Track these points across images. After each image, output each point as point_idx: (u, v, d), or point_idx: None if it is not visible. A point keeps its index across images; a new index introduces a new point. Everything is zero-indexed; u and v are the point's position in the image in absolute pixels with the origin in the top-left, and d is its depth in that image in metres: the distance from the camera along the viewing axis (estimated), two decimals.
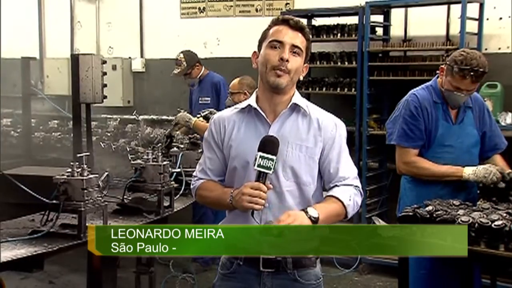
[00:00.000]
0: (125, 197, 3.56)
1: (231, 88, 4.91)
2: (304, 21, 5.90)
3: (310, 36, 2.31)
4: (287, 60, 2.20)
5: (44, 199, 3.04)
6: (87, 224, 2.92)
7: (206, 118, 4.97)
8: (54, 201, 2.91)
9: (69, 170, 2.96)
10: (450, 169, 3.37)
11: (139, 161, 3.63)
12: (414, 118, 3.42)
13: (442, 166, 3.39)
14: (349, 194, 2.27)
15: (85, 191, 2.91)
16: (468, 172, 3.31)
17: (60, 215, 2.94)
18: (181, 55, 5.70)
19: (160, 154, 3.64)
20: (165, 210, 3.58)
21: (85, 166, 2.97)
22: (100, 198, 3.03)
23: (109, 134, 6.91)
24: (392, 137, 3.51)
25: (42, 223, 2.94)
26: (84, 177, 2.93)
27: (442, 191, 3.37)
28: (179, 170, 4.01)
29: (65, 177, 2.93)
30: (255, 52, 2.33)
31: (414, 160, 3.45)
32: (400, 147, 3.50)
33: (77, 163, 2.96)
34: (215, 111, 5.05)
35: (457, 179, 3.35)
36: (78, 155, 3.03)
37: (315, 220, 2.14)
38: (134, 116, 6.51)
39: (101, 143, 6.21)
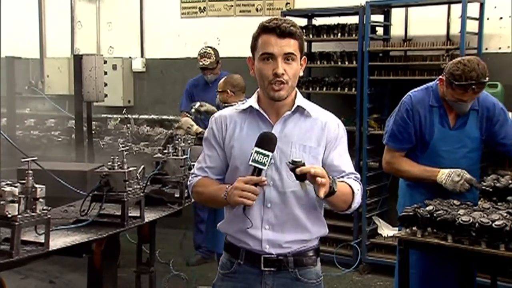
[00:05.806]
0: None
1: (218, 87, 4.93)
2: (304, 21, 5.94)
3: (302, 34, 2.24)
4: (282, 73, 2.16)
5: (81, 191, 3.36)
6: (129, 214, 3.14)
7: (199, 112, 5.07)
8: (96, 192, 3.08)
9: (109, 163, 3.13)
10: (426, 173, 3.34)
11: (159, 155, 3.86)
12: (404, 121, 3.41)
13: (418, 168, 3.37)
14: (357, 187, 2.26)
15: (127, 182, 3.08)
16: (440, 178, 3.27)
17: (89, 206, 3.09)
18: (209, 49, 5.60)
19: (179, 148, 3.83)
20: (186, 200, 3.76)
21: (125, 159, 3.13)
22: (139, 189, 3.20)
23: (93, 133, 6.91)
24: (385, 136, 3.55)
25: (81, 213, 3.09)
26: (126, 170, 3.09)
27: (441, 189, 3.33)
28: (192, 163, 4.09)
29: (107, 170, 3.10)
30: (250, 58, 2.29)
31: (394, 161, 3.48)
32: (387, 146, 3.53)
33: (117, 157, 3.13)
34: (204, 103, 5.12)
35: (432, 182, 3.31)
36: (119, 149, 3.20)
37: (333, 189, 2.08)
38: (129, 115, 6.51)
39: None
